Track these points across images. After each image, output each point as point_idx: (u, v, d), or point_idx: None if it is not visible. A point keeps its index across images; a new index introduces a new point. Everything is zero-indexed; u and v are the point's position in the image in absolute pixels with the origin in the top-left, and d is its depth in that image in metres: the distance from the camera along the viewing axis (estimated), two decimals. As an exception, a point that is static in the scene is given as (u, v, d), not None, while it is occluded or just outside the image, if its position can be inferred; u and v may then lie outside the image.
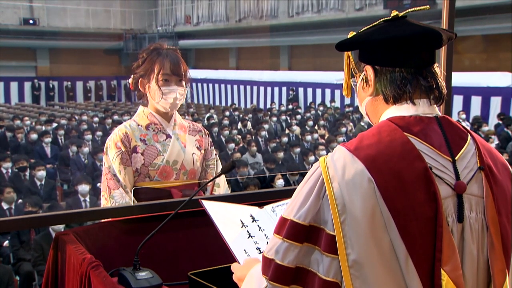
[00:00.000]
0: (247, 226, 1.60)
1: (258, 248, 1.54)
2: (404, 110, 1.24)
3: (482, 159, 1.22)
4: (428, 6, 1.30)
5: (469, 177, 1.20)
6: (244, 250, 1.51)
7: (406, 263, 1.11)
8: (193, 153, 2.36)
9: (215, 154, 2.51)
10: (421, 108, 1.24)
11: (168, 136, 2.32)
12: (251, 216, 1.64)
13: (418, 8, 1.29)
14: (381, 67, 1.25)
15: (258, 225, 1.62)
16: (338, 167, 1.15)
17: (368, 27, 1.29)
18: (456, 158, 1.20)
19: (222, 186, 2.46)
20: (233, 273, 1.42)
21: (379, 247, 1.10)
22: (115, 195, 2.21)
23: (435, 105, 1.26)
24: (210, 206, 1.61)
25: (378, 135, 1.19)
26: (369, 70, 1.27)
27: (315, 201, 1.15)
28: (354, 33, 1.30)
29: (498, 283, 1.18)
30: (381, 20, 1.28)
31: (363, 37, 1.27)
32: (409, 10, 1.30)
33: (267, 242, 1.54)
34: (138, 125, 2.31)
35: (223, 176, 2.44)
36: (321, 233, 1.14)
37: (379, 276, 1.10)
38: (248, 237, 1.56)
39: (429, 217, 1.13)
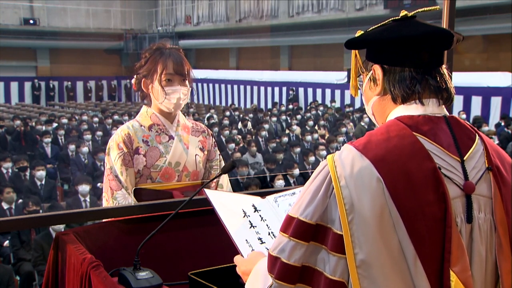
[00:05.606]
0: (249, 216, 1.59)
1: (259, 239, 1.53)
2: (412, 109, 1.23)
3: (490, 159, 1.22)
4: (438, 7, 1.30)
5: (477, 177, 1.19)
6: (246, 240, 1.51)
7: (415, 263, 1.10)
8: (195, 155, 2.33)
9: (219, 155, 2.48)
10: (430, 108, 1.23)
11: (171, 137, 2.29)
12: (253, 206, 1.63)
13: (428, 8, 1.29)
14: (389, 67, 1.24)
15: (260, 215, 1.61)
16: (346, 166, 1.13)
17: (376, 26, 1.28)
18: (464, 158, 1.19)
19: (225, 186, 2.43)
20: (236, 266, 1.41)
21: (388, 247, 1.09)
22: (117, 196, 2.18)
23: (443, 105, 1.25)
24: (213, 195, 1.60)
25: (387, 134, 1.18)
26: (377, 69, 1.26)
27: (322, 199, 1.14)
28: (362, 31, 1.29)
29: (507, 284, 1.17)
30: (390, 19, 1.27)
31: (373, 36, 1.26)
32: (419, 10, 1.30)
33: (269, 233, 1.55)
34: (141, 125, 2.28)
35: (226, 176, 2.42)
36: (328, 232, 1.13)
37: (387, 276, 1.09)
38: (250, 227, 1.56)
39: (438, 218, 1.12)
